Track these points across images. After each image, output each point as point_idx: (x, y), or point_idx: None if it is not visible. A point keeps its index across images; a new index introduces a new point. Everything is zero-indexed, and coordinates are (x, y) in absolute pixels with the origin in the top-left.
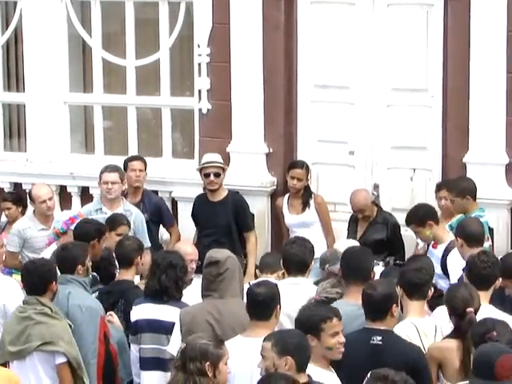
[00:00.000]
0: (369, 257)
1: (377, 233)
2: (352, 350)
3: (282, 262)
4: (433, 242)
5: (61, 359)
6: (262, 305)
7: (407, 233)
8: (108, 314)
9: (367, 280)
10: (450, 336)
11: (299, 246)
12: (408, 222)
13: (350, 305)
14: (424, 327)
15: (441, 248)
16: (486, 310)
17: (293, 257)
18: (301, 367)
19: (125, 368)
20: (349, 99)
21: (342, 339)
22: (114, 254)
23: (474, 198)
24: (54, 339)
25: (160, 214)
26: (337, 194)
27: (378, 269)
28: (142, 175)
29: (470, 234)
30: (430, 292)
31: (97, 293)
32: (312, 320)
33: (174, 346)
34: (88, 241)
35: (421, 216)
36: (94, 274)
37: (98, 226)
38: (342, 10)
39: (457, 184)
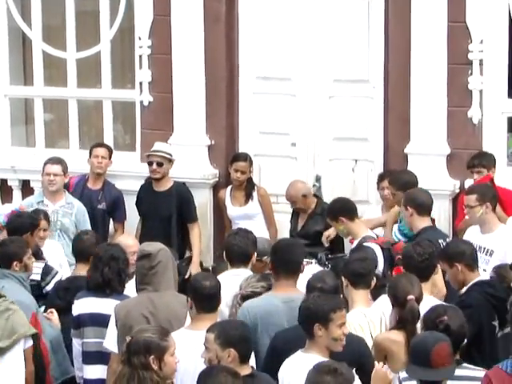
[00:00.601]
0: (299, 250)
1: (317, 225)
2: (297, 342)
3: (224, 253)
4: (350, 238)
5: (30, 342)
6: (210, 297)
7: None
8: (48, 311)
9: (297, 273)
10: (395, 327)
11: (242, 237)
12: (326, 215)
13: (279, 298)
14: (372, 316)
15: (356, 243)
16: (428, 301)
17: (235, 248)
18: (244, 359)
19: (58, 366)
20: (290, 91)
21: (346, 330)
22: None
23: None
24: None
25: (115, 207)
26: (279, 186)
27: (312, 267)
28: (105, 162)
29: (422, 204)
30: (373, 282)
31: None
32: (322, 309)
33: (109, 340)
34: (21, 234)
35: (334, 211)
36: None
37: (30, 220)
38: (283, 2)
39: (398, 178)
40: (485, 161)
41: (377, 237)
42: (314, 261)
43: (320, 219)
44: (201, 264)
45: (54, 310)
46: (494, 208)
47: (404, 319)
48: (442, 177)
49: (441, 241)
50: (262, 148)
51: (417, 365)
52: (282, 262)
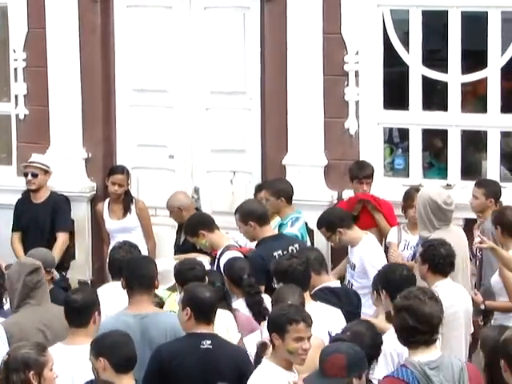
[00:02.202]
0: (153, 265)
1: None
2: (183, 356)
3: (107, 266)
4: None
5: None
6: (80, 311)
7: (228, 235)
8: None
9: (151, 289)
10: None
11: (125, 251)
12: (185, 233)
13: (131, 316)
14: None
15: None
16: (312, 308)
17: (117, 262)
18: (119, 368)
19: None
20: (167, 103)
21: (306, 346)
22: None
23: (289, 201)
24: None
25: None
26: (157, 199)
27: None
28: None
29: (262, 215)
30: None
31: None
32: (279, 320)
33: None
34: None
35: (193, 227)
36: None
37: None
38: (158, 14)
39: (274, 184)
40: (371, 170)
41: (240, 246)
42: None
43: None
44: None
45: None
46: (349, 227)
47: None
48: (319, 188)
49: (277, 253)
50: (139, 160)
51: (319, 371)
52: (135, 277)
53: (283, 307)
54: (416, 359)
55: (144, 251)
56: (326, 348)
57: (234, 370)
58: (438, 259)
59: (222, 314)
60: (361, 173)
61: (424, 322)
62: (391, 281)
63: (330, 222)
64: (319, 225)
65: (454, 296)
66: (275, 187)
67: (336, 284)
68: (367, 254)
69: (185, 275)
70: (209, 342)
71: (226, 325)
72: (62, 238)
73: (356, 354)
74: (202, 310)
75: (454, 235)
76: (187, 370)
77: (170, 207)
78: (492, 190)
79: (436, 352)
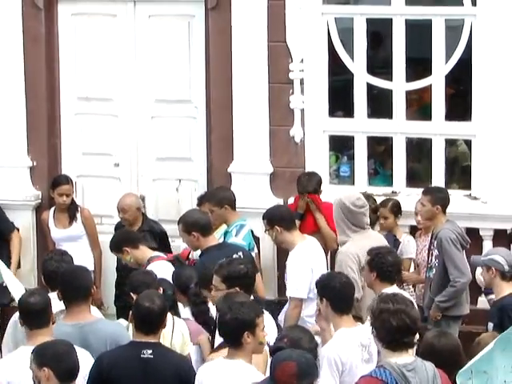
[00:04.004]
0: (87, 274)
1: (145, 241)
2: (123, 365)
3: (42, 277)
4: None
5: None
6: (40, 313)
7: (174, 243)
8: None
9: (88, 298)
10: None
11: (56, 261)
12: (110, 249)
13: (70, 326)
14: None
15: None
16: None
17: (52, 274)
18: (63, 378)
19: None
20: (112, 111)
21: (265, 333)
22: None
23: (233, 207)
24: None
25: None
26: (103, 207)
27: None
28: None
29: (205, 224)
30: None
31: None
32: (249, 316)
33: None
34: None
35: (118, 243)
36: None
37: None
38: (103, 22)
39: (215, 194)
40: (317, 186)
41: (166, 254)
42: None
43: (148, 236)
44: None
45: None
46: (288, 228)
47: None
48: (265, 195)
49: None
50: (84, 169)
51: (269, 379)
52: (71, 288)
53: (239, 306)
54: (393, 361)
55: (90, 260)
56: (277, 355)
57: (175, 379)
58: (387, 267)
59: (177, 322)
60: (308, 187)
61: (413, 323)
62: (331, 289)
63: (271, 216)
64: (263, 216)
65: None
66: (217, 197)
67: None
68: (291, 261)
69: (137, 282)
70: (150, 351)
71: (182, 332)
72: (16, 238)
73: (307, 361)
74: (142, 320)
75: (372, 239)
76: (127, 379)
77: (127, 207)
78: (439, 197)
79: (410, 356)
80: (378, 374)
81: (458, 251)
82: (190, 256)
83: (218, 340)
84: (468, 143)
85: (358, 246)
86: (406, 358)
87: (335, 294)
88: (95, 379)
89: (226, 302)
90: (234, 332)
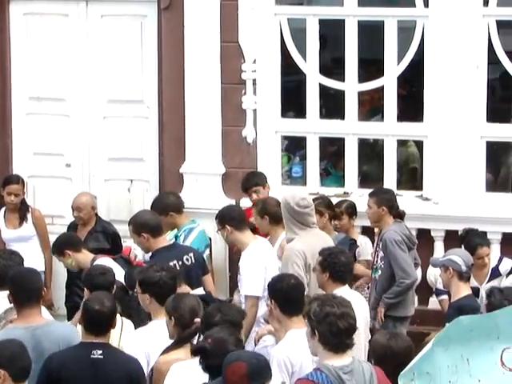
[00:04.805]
0: (38, 276)
1: (97, 242)
2: (72, 366)
3: None
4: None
5: None
6: None
7: (126, 244)
8: None
9: (39, 300)
10: (174, 347)
11: (5, 259)
12: (52, 252)
13: (22, 329)
14: None
15: None
16: None
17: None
18: (17, 378)
19: None
20: (64, 111)
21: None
22: None
23: (179, 211)
24: None
25: None
26: (54, 207)
27: None
28: None
29: (156, 226)
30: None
31: None
32: (211, 317)
33: None
34: None
35: (60, 246)
36: None
37: None
38: (55, 22)
39: (159, 202)
40: (258, 180)
41: (135, 256)
42: None
43: (100, 236)
44: None
45: None
46: (239, 228)
47: (184, 338)
48: (217, 196)
49: (173, 263)
50: (36, 169)
51: (221, 379)
52: (22, 292)
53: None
54: (330, 363)
55: (41, 260)
56: (228, 356)
57: (125, 379)
58: (339, 267)
59: (126, 323)
60: (245, 184)
61: (355, 324)
62: (278, 290)
63: (222, 215)
64: (215, 216)
65: (353, 304)
66: (161, 204)
67: (201, 291)
68: (245, 260)
69: (95, 280)
70: (100, 351)
71: (130, 332)
72: None
73: (259, 362)
74: (92, 322)
75: (319, 238)
76: (76, 380)
77: (83, 205)
78: (384, 198)
79: (348, 357)
80: (315, 377)
81: (403, 252)
82: (140, 258)
83: None
84: (420, 144)
85: (304, 242)
86: (345, 360)
87: (283, 295)
88: (44, 381)
89: (173, 302)
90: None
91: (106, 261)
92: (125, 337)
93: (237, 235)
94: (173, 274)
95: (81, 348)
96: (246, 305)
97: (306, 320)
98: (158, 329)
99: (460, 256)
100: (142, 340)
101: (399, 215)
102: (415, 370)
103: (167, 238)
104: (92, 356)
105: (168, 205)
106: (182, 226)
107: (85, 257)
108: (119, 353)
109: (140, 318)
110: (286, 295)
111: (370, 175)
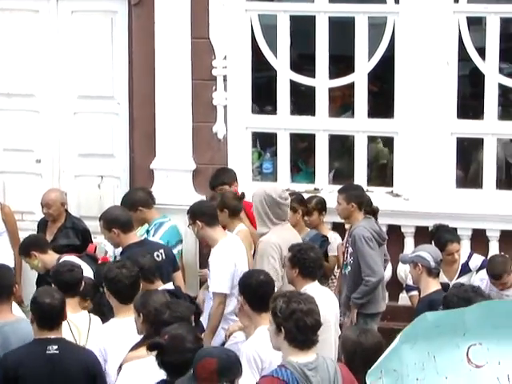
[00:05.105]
0: (10, 273)
1: (67, 238)
2: (29, 363)
3: None
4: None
5: None
6: None
7: (96, 240)
8: None
9: (10, 297)
10: (142, 343)
11: None
12: (19, 253)
13: None
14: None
15: None
16: None
17: None
18: None
19: None
20: (34, 107)
21: None
22: None
23: (148, 206)
24: None
25: None
26: (24, 203)
27: None
28: None
29: (126, 221)
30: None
31: None
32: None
33: None
34: None
35: (26, 247)
36: None
37: None
38: (25, 17)
39: (128, 198)
40: (225, 178)
41: (106, 252)
42: None
43: (71, 232)
44: None
45: None
46: (209, 224)
47: (152, 335)
48: (187, 192)
49: (156, 253)
50: (6, 165)
51: (190, 375)
52: None
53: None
54: (294, 360)
55: (10, 256)
56: (198, 352)
57: (83, 373)
58: (309, 263)
59: (93, 319)
60: (212, 182)
61: (319, 321)
62: (248, 286)
63: (193, 211)
64: (187, 211)
65: (323, 299)
66: (130, 200)
67: (170, 286)
68: (214, 257)
69: (63, 276)
70: (55, 346)
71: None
72: None
73: (229, 358)
74: (44, 317)
75: (290, 233)
76: (34, 377)
77: (52, 201)
78: (353, 195)
79: (313, 354)
80: (280, 374)
81: (371, 249)
82: (111, 253)
83: None
84: (390, 140)
85: (279, 236)
86: (309, 357)
87: (252, 291)
88: (1, 380)
89: (142, 298)
90: None
91: (71, 259)
92: (92, 333)
93: (207, 231)
94: (133, 273)
95: (35, 345)
96: (213, 303)
97: (270, 317)
98: (117, 326)
99: (429, 252)
100: (98, 337)
101: (372, 211)
102: (382, 368)
103: (138, 234)
104: (48, 352)
105: (137, 200)
106: (153, 219)
107: (51, 258)
108: (75, 347)
109: (112, 314)
110: (255, 291)
111: (341, 171)
